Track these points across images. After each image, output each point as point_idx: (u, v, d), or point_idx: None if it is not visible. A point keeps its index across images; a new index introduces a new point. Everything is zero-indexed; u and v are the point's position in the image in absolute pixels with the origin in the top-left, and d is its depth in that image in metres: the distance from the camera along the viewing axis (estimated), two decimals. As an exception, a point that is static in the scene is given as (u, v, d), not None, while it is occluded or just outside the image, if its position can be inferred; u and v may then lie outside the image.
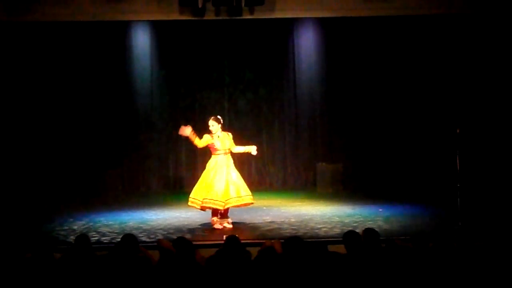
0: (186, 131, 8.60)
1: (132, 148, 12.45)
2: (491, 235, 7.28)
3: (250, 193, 8.66)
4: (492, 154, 11.03)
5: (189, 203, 8.70)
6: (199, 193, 8.58)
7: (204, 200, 8.51)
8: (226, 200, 8.49)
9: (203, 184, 8.60)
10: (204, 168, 8.81)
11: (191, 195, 8.68)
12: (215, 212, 8.66)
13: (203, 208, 8.62)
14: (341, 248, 5.52)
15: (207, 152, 8.98)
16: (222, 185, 8.50)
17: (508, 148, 10.89)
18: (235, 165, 8.76)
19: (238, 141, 8.86)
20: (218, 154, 8.64)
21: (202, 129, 8.99)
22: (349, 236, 5.35)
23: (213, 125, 8.59)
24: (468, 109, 11.34)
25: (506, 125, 10.97)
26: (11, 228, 8.78)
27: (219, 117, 8.69)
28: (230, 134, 8.73)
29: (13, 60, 11.32)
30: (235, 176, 8.61)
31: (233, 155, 8.79)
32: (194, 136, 8.59)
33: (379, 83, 12.21)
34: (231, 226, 8.62)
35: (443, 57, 11.71)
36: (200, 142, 8.61)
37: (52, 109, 11.86)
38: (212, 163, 8.67)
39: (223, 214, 8.66)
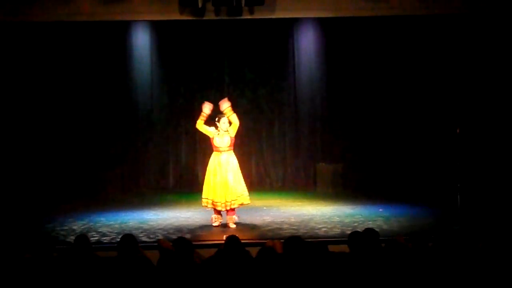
0: (207, 108, 8.71)
1: (132, 148, 12.44)
2: (491, 235, 7.27)
3: (247, 193, 8.73)
4: (492, 154, 11.03)
5: (203, 204, 8.76)
6: (213, 194, 8.63)
7: (213, 201, 8.64)
8: (230, 201, 8.59)
9: (212, 183, 8.65)
10: (205, 167, 8.86)
11: (205, 196, 8.72)
12: (215, 210, 8.73)
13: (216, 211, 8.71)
14: (341, 248, 5.52)
15: (207, 151, 9.01)
16: (225, 185, 8.57)
17: (508, 148, 10.89)
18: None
19: (237, 139, 8.91)
20: (219, 151, 8.68)
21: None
22: (353, 237, 5.34)
23: (225, 122, 8.65)
24: (468, 109, 11.33)
25: (506, 125, 10.97)
26: (11, 228, 8.78)
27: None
28: (228, 128, 8.72)
29: (13, 60, 11.31)
30: (233, 176, 8.63)
31: (236, 152, 8.81)
32: (205, 117, 8.70)
33: (379, 83, 12.20)
34: (234, 226, 8.66)
35: (443, 57, 11.70)
36: (201, 125, 8.71)
37: (52, 109, 11.85)
38: (214, 161, 8.71)
39: (221, 212, 8.73)
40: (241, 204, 8.72)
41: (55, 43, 11.70)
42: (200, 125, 8.71)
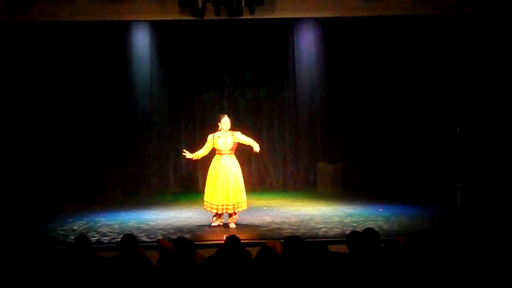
0: (187, 156, 8.77)
1: (132, 148, 12.43)
2: (491, 235, 7.28)
3: (245, 199, 8.72)
4: (492, 154, 11.03)
5: (204, 208, 8.77)
6: (212, 198, 8.63)
7: (211, 204, 8.64)
8: (230, 205, 8.59)
9: (212, 187, 8.64)
10: (205, 167, 8.85)
11: (205, 199, 8.73)
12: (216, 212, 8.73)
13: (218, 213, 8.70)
14: (341, 248, 5.52)
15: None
16: (225, 189, 8.56)
17: (508, 148, 10.89)
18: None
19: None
20: (221, 154, 8.66)
21: (200, 130, 9.08)
22: (352, 237, 5.34)
23: (225, 122, 8.62)
24: (468, 109, 11.33)
25: (506, 125, 10.97)
26: (11, 228, 8.78)
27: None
28: (235, 132, 8.71)
29: (13, 60, 11.32)
30: (232, 182, 8.60)
31: (236, 153, 8.80)
32: (196, 154, 8.74)
33: (379, 83, 12.20)
34: (234, 226, 8.66)
35: (443, 57, 11.70)
36: (206, 150, 8.69)
37: (52, 109, 11.85)
38: (215, 165, 8.69)
39: (221, 215, 8.73)
40: (237, 211, 8.70)
41: (55, 43, 11.70)
42: (207, 151, 8.73)
